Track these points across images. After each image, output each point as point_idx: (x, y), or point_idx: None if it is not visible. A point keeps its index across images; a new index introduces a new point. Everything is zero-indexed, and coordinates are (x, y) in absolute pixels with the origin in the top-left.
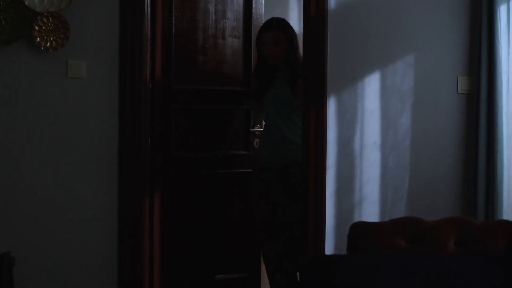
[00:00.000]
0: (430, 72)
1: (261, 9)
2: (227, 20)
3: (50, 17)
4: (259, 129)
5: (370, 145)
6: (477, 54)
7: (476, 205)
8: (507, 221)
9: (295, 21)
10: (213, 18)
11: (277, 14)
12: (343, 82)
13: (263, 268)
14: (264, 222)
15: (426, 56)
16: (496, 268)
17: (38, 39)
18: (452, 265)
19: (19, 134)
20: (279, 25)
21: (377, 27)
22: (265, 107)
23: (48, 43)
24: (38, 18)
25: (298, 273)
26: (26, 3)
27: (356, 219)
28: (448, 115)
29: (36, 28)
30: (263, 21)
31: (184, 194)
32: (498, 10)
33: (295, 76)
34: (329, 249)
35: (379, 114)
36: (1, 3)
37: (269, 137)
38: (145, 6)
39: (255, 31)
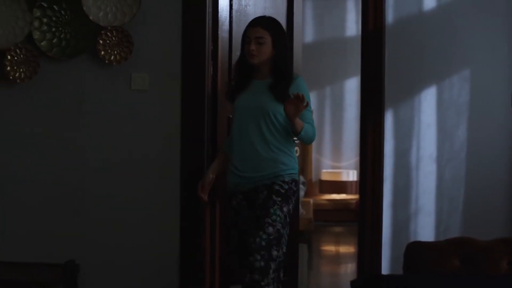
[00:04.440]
0: (485, 86)
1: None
2: None
3: (114, 31)
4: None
5: (426, 157)
6: None
7: None
8: None
9: (352, 22)
10: None
11: (334, 16)
12: (400, 95)
13: None
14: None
15: (481, 70)
16: None
17: (103, 52)
18: (503, 286)
19: (84, 143)
20: (266, 23)
21: (433, 42)
22: (237, 111)
23: (112, 57)
24: (102, 32)
25: None
26: (91, 17)
27: (412, 230)
28: (503, 128)
29: (101, 42)
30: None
31: None
32: None
33: (280, 83)
34: (385, 260)
35: (435, 127)
36: (66, 17)
37: (235, 153)
38: (207, 20)
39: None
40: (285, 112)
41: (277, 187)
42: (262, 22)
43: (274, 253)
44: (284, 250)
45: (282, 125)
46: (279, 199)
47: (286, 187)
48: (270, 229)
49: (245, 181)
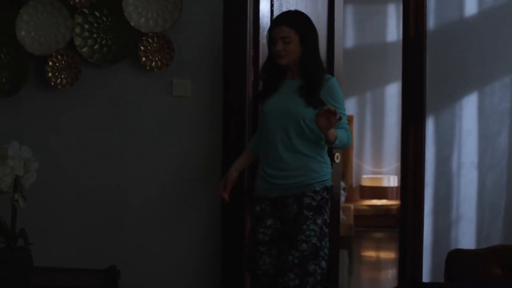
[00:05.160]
0: None
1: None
2: None
3: (155, 38)
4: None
5: (467, 164)
6: None
7: None
8: None
9: (393, 28)
10: None
11: (375, 21)
12: (441, 101)
13: None
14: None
15: None
16: None
17: (144, 59)
18: None
19: (125, 149)
20: (291, 20)
21: (474, 48)
22: (266, 115)
23: (153, 63)
24: (143, 38)
25: None
26: (132, 23)
27: (453, 237)
28: None
29: (142, 48)
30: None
31: None
32: None
33: (309, 85)
34: (426, 267)
35: (476, 134)
36: (107, 23)
37: (264, 158)
38: (247, 26)
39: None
40: (317, 125)
41: (308, 200)
42: (287, 20)
43: (311, 267)
44: (326, 260)
45: (312, 130)
46: (311, 213)
47: (318, 197)
48: (304, 246)
49: (274, 187)
